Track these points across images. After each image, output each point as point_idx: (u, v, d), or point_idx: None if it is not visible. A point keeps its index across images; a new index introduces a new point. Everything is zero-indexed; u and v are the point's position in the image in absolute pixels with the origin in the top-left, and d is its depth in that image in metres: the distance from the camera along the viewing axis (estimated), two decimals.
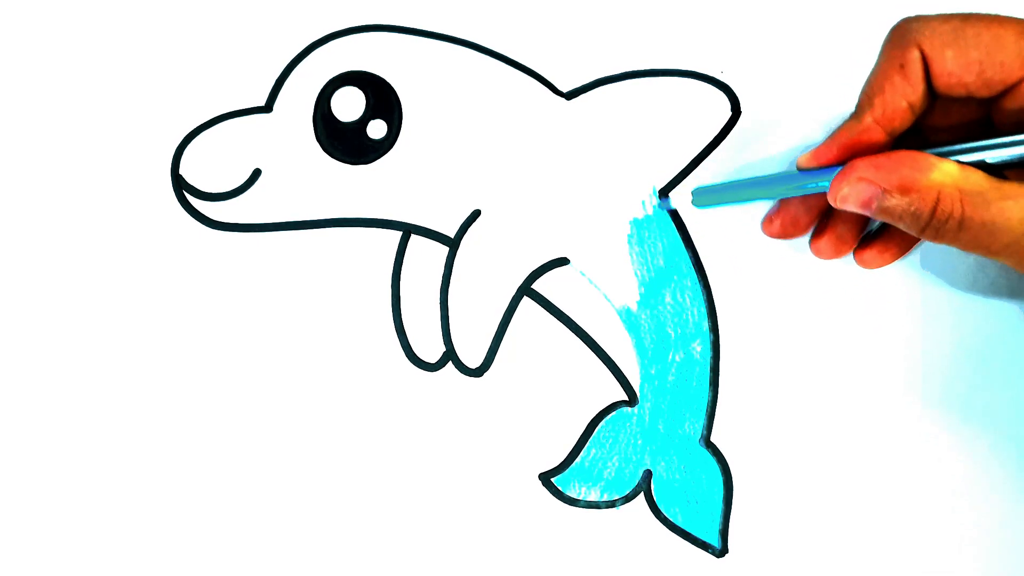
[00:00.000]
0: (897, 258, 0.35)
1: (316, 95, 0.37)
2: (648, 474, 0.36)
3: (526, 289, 0.37)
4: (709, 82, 0.37)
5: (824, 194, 0.31)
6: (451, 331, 0.37)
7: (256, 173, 0.37)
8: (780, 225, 0.35)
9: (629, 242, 0.37)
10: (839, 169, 0.30)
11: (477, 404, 0.36)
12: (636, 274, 0.37)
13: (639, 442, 0.36)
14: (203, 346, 0.37)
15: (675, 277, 0.36)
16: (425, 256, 0.37)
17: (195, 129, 0.37)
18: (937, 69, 0.29)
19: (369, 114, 0.37)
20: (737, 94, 0.37)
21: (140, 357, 0.37)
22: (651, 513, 0.36)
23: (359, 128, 0.37)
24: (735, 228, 0.36)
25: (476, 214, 0.37)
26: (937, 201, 0.28)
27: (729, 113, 0.37)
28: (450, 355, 0.36)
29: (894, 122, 0.30)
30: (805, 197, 0.34)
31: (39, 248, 0.37)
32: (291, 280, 0.37)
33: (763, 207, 0.36)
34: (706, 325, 0.36)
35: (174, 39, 0.38)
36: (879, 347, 0.36)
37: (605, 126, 0.37)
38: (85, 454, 0.36)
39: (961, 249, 0.30)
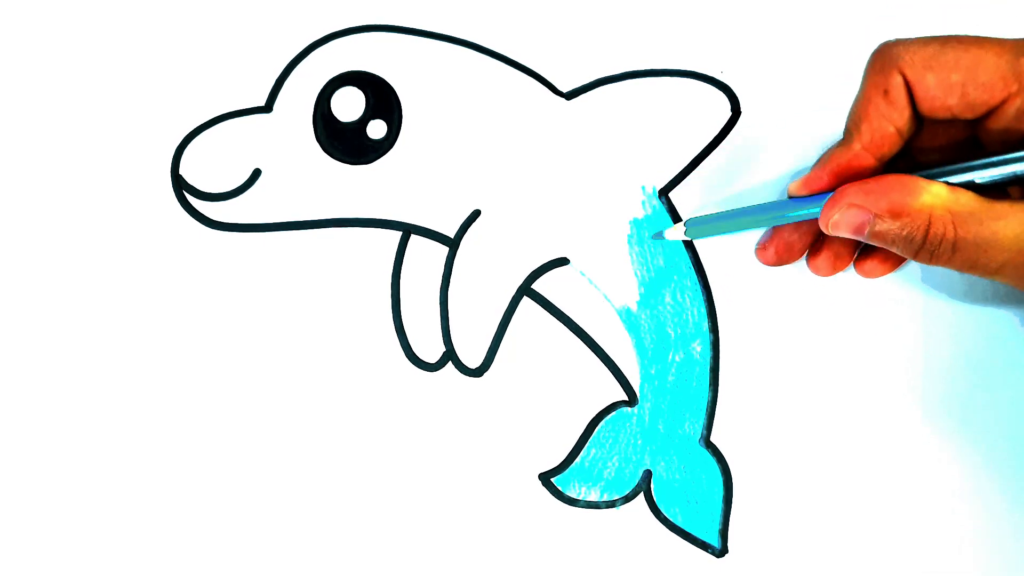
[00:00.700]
0: (897, 267, 0.35)
1: (316, 95, 0.37)
2: (648, 474, 0.36)
3: (526, 289, 0.37)
4: (709, 82, 0.37)
5: (817, 220, 0.31)
6: (451, 331, 0.37)
7: (256, 173, 0.37)
8: (775, 252, 0.35)
9: (629, 242, 0.37)
10: (830, 195, 0.30)
11: (477, 404, 0.36)
12: (636, 274, 0.37)
13: (639, 442, 0.36)
14: (203, 346, 0.37)
15: (675, 277, 0.36)
16: (425, 256, 0.37)
17: (195, 129, 0.37)
18: (920, 93, 0.29)
19: (369, 114, 0.37)
20: (737, 94, 0.37)
21: (140, 357, 0.37)
22: (651, 513, 0.36)
23: (359, 128, 0.37)
24: None
25: (476, 214, 0.37)
26: (929, 224, 0.29)
27: (729, 113, 0.37)
28: (450, 355, 0.36)
29: (883, 147, 0.30)
30: (798, 223, 0.34)
31: (39, 248, 0.37)
32: (291, 280, 0.37)
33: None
34: (706, 325, 0.36)
35: (174, 39, 0.38)
36: (879, 347, 0.36)
37: (605, 126, 0.37)
38: (85, 454, 0.36)
39: (957, 270, 0.30)
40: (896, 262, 0.35)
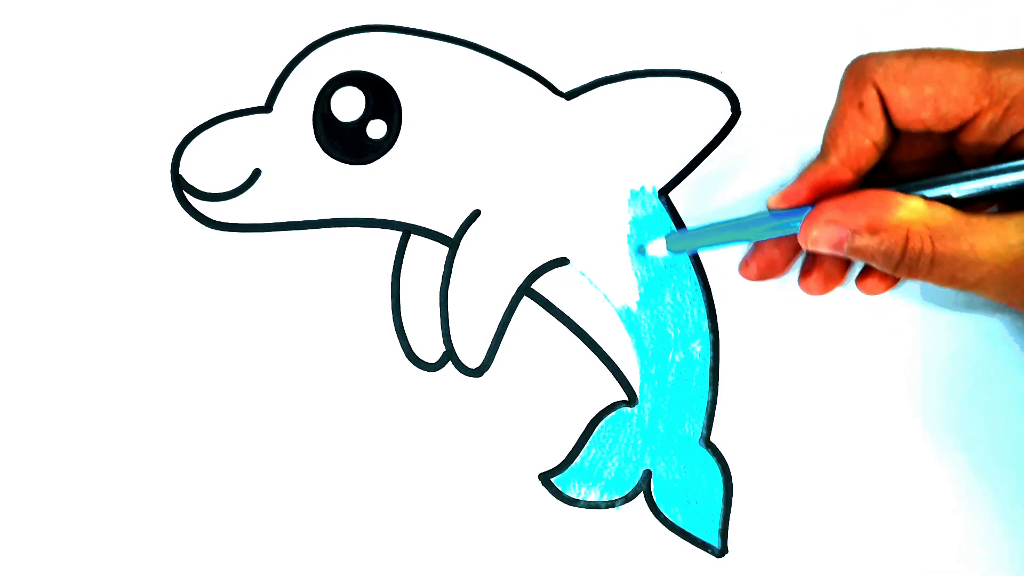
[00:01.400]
0: (898, 283, 0.35)
1: (316, 95, 0.37)
2: (648, 474, 0.36)
3: (526, 289, 0.37)
4: (709, 82, 0.37)
5: (796, 235, 0.31)
6: (451, 331, 0.37)
7: (256, 173, 0.37)
8: (757, 268, 0.35)
9: (629, 242, 0.37)
10: (809, 210, 0.31)
11: (477, 404, 0.36)
12: (636, 274, 0.37)
13: (639, 442, 0.36)
14: (203, 346, 0.37)
15: (675, 277, 0.36)
16: (425, 256, 0.37)
17: (195, 129, 0.37)
18: (894, 107, 0.29)
19: (369, 114, 0.37)
20: (737, 94, 0.37)
21: (140, 357, 0.37)
22: (651, 513, 0.36)
23: (359, 128, 0.37)
24: None
25: (476, 214, 0.37)
26: (907, 239, 0.29)
27: (729, 113, 0.37)
28: (450, 355, 0.36)
29: (860, 161, 0.30)
30: (779, 239, 0.34)
31: (39, 248, 0.37)
32: (291, 280, 0.37)
33: (755, 202, 0.36)
34: (706, 325, 0.36)
35: (174, 39, 0.38)
36: (878, 348, 0.36)
37: (605, 126, 0.37)
38: (85, 453, 0.36)
39: (937, 284, 0.30)
40: (896, 279, 0.35)
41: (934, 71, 0.29)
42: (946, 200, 0.29)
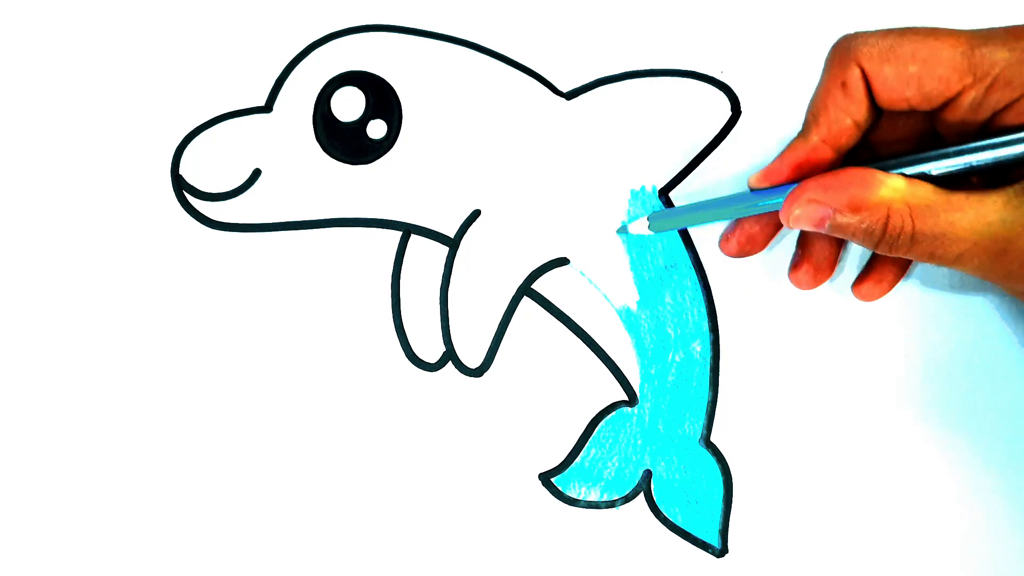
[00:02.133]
0: (893, 286, 0.35)
1: (316, 95, 0.37)
2: (648, 474, 0.36)
3: (526, 289, 0.37)
4: (709, 82, 0.37)
5: (778, 212, 0.31)
6: (451, 331, 0.37)
7: (256, 173, 0.37)
8: (737, 244, 0.35)
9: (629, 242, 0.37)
10: (791, 188, 0.31)
11: (477, 404, 0.36)
12: (636, 274, 0.37)
13: (639, 442, 0.36)
14: (203, 346, 0.37)
15: (675, 277, 0.36)
16: (425, 256, 0.37)
17: (195, 129, 0.37)
18: (878, 86, 0.30)
19: (369, 114, 0.37)
20: (737, 94, 0.37)
21: (140, 357, 0.37)
22: (651, 513, 0.36)
23: (359, 128, 0.37)
24: None
25: (476, 214, 0.37)
26: (888, 217, 0.29)
27: (729, 113, 0.37)
28: (450, 355, 0.36)
29: (841, 139, 0.31)
30: (759, 215, 0.34)
31: (39, 248, 0.37)
32: (291, 280, 0.37)
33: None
34: (706, 325, 0.36)
35: (174, 39, 0.38)
36: (878, 347, 0.36)
37: (605, 126, 0.37)
38: (85, 453, 0.36)
39: (917, 260, 0.30)
40: (892, 282, 0.35)
41: (918, 50, 0.29)
42: (926, 178, 0.29)
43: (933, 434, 0.36)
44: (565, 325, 0.36)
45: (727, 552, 0.36)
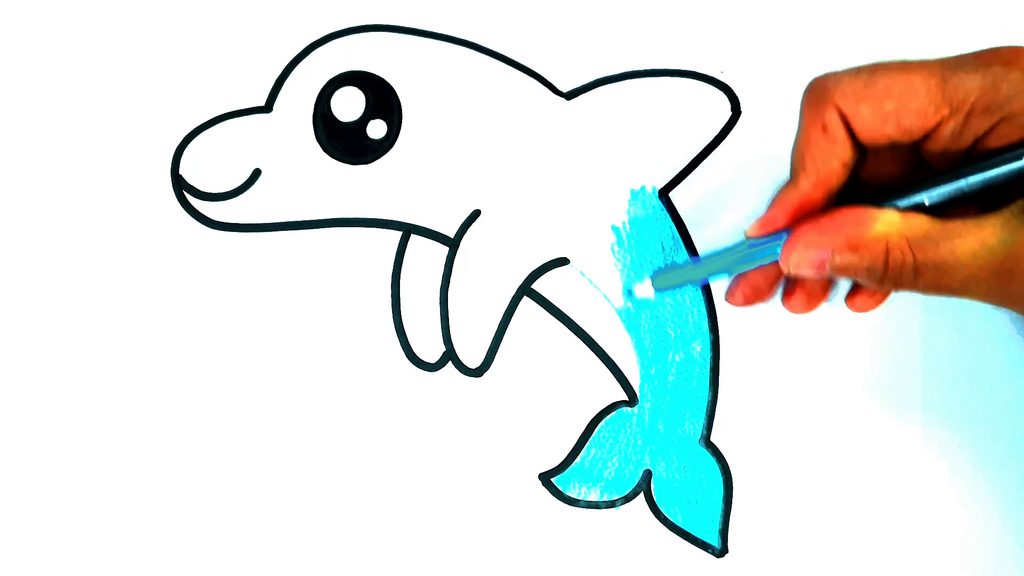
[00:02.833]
0: (886, 298, 0.35)
1: (316, 95, 0.37)
2: (648, 474, 0.36)
3: (526, 289, 0.37)
4: (709, 82, 0.37)
5: (779, 262, 0.31)
6: (451, 331, 0.37)
7: (256, 173, 0.37)
8: (742, 295, 0.34)
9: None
10: (787, 235, 0.30)
11: (477, 404, 0.36)
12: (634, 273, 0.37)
13: (639, 442, 0.36)
14: (203, 346, 0.37)
15: None
16: (425, 256, 0.37)
17: (195, 129, 0.37)
18: (857, 125, 0.29)
19: (369, 114, 0.37)
20: (737, 94, 0.37)
21: (140, 357, 0.37)
22: (651, 513, 0.36)
23: (359, 128, 0.37)
24: (734, 228, 0.36)
25: (476, 214, 0.37)
26: (887, 251, 0.29)
27: (729, 113, 0.37)
28: (450, 355, 0.36)
29: (830, 181, 0.30)
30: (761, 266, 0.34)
31: (39, 248, 0.37)
32: (291, 280, 0.37)
33: (755, 202, 0.36)
34: (706, 325, 0.36)
35: (174, 39, 0.38)
36: (878, 347, 0.36)
37: (605, 126, 0.37)
38: (85, 453, 0.36)
39: (924, 294, 0.29)
40: (885, 294, 0.35)
41: (892, 86, 0.28)
42: (920, 208, 0.29)
43: (933, 434, 0.36)
44: (565, 325, 0.36)
45: (727, 552, 0.36)
